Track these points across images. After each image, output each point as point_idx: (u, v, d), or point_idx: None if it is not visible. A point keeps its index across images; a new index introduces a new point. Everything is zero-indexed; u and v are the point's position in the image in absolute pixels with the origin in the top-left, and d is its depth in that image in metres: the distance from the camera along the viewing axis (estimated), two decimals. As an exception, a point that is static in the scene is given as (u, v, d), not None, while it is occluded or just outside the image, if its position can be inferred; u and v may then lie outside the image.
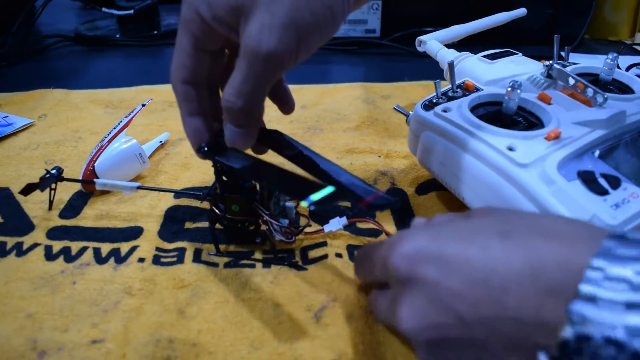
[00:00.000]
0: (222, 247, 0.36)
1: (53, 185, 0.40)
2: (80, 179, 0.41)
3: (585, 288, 0.18)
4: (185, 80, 0.30)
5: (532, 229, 0.22)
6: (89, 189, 0.41)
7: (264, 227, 0.35)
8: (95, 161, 0.41)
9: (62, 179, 0.39)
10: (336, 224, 0.36)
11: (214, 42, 0.30)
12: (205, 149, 0.31)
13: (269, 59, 0.26)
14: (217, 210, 0.34)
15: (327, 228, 0.35)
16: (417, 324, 0.23)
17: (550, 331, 0.19)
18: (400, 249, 0.24)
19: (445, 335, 0.22)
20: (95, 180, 0.39)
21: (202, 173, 0.45)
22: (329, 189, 0.25)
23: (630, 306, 0.17)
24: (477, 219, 0.24)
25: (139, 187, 0.39)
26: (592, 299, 0.18)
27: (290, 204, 0.34)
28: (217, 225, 0.36)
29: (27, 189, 0.38)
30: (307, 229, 0.36)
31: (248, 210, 0.33)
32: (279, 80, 0.34)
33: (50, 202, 0.40)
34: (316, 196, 0.25)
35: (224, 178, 0.33)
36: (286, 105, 0.35)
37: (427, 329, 0.22)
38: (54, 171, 0.39)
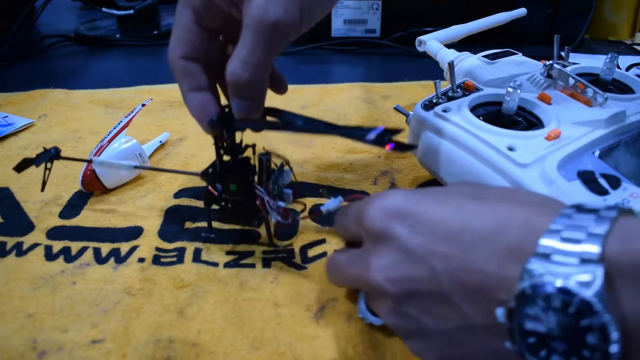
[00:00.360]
0: (223, 247, 0.36)
1: (49, 165, 0.38)
2: (80, 180, 0.41)
3: (543, 247, 0.19)
4: (185, 56, 0.31)
5: (503, 197, 0.23)
6: (89, 188, 0.41)
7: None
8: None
9: (59, 157, 0.38)
10: (333, 203, 0.35)
11: (214, 19, 0.30)
12: (216, 120, 0.31)
13: (275, 29, 0.27)
14: (213, 191, 0.34)
15: (324, 208, 0.34)
16: (389, 275, 0.23)
17: (510, 285, 0.20)
18: (376, 204, 0.25)
19: (415, 288, 0.23)
20: (92, 158, 0.38)
21: (202, 173, 0.45)
22: (379, 128, 0.27)
23: (583, 262, 0.18)
24: (452, 187, 0.25)
25: (135, 167, 0.39)
26: (547, 256, 0.19)
27: (287, 190, 0.35)
28: (214, 206, 0.36)
29: (22, 164, 0.37)
30: (303, 214, 0.37)
31: (246, 190, 0.33)
32: None
33: (44, 183, 0.39)
34: (371, 135, 0.26)
35: (225, 157, 0.33)
36: (280, 86, 0.35)
37: (398, 281, 0.23)
38: (52, 151, 0.38)
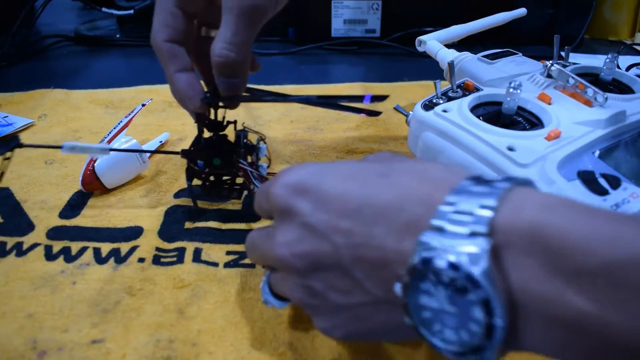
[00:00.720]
0: (223, 247, 0.36)
1: (8, 155, 0.36)
2: (80, 180, 0.41)
3: (436, 221, 0.19)
4: (170, 39, 0.33)
5: (409, 172, 0.23)
6: (89, 188, 0.41)
7: (240, 181, 0.37)
8: (95, 161, 0.41)
9: (21, 146, 0.37)
10: None
11: (195, 3, 0.33)
12: (210, 96, 0.34)
13: (255, 11, 0.30)
14: (195, 167, 0.36)
15: None
16: (293, 250, 0.23)
17: (406, 260, 0.20)
18: (281, 180, 0.25)
19: (319, 263, 0.23)
20: (63, 144, 0.34)
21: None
22: (368, 96, 0.29)
23: (473, 234, 0.18)
24: (363, 162, 0.26)
25: (110, 149, 0.37)
26: (440, 230, 0.19)
27: (263, 164, 0.38)
28: (196, 183, 0.37)
29: None
30: None
31: (230, 163, 0.35)
32: None
33: (1, 174, 0.37)
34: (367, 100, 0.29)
35: (208, 134, 0.36)
36: (253, 65, 0.37)
37: (303, 256, 0.23)
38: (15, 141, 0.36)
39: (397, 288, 0.20)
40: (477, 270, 0.18)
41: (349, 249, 0.22)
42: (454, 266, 0.18)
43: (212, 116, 0.36)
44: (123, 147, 0.42)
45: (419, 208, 0.21)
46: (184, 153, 0.37)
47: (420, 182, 0.22)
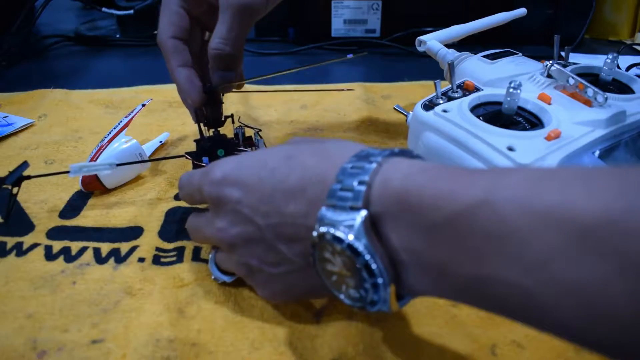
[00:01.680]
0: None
1: (15, 191, 0.38)
2: (80, 180, 0.41)
3: (329, 199, 0.23)
4: (175, 36, 0.37)
5: (313, 152, 0.26)
6: (89, 188, 0.42)
7: None
8: (95, 161, 0.41)
9: (25, 178, 0.38)
10: None
11: (198, 5, 0.37)
12: (209, 87, 0.37)
13: (247, 10, 0.34)
14: (201, 164, 0.39)
15: None
16: (229, 233, 0.28)
17: (310, 230, 0.23)
18: (210, 176, 0.29)
19: (250, 241, 0.27)
20: (70, 167, 0.36)
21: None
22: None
23: (352, 209, 0.22)
24: (276, 146, 0.29)
25: (118, 165, 0.39)
26: (333, 206, 0.22)
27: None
28: None
29: None
30: None
31: (233, 153, 0.39)
32: None
33: (9, 210, 0.38)
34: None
35: (210, 132, 0.39)
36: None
37: (237, 237, 0.28)
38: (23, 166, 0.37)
39: (311, 258, 0.24)
40: (354, 240, 0.21)
41: (269, 228, 0.26)
42: (337, 238, 0.22)
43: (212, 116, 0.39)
44: (123, 147, 0.42)
45: (317, 186, 0.24)
46: (188, 154, 0.40)
47: (319, 160, 0.25)
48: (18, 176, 0.38)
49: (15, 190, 0.38)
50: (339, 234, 0.22)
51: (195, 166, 0.39)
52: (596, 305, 0.16)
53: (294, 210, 0.25)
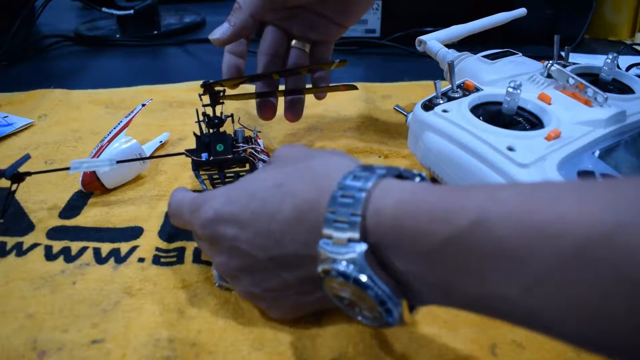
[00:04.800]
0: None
1: (14, 187, 0.38)
2: (80, 180, 0.41)
3: (326, 230, 0.23)
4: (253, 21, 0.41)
5: (301, 177, 0.26)
6: (89, 189, 0.41)
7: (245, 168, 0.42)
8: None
9: (29, 174, 0.38)
10: None
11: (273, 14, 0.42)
12: (206, 83, 0.39)
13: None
14: (200, 160, 0.40)
15: None
16: (229, 267, 0.28)
17: (317, 261, 0.23)
18: (202, 216, 0.28)
19: (251, 273, 0.27)
20: (70, 163, 0.37)
21: (202, 173, 0.45)
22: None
23: (350, 241, 0.22)
24: (263, 172, 0.28)
25: (118, 162, 0.39)
26: (330, 237, 0.22)
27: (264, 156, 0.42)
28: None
29: None
30: None
31: (231, 147, 0.40)
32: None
33: (6, 208, 0.38)
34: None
35: (210, 130, 0.40)
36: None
37: (237, 269, 0.28)
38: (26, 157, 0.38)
39: (322, 286, 0.24)
40: (358, 274, 0.21)
41: (270, 261, 0.26)
42: (342, 274, 0.22)
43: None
44: (123, 147, 0.42)
45: (312, 214, 0.24)
46: (188, 151, 0.40)
47: (308, 186, 0.25)
48: (18, 167, 0.38)
49: (14, 187, 0.38)
50: (342, 269, 0.22)
51: (194, 163, 0.40)
52: (598, 321, 0.16)
53: (293, 242, 0.25)
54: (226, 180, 0.40)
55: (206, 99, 0.40)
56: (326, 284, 0.23)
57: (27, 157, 0.39)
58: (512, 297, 0.18)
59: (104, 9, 0.82)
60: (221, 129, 0.40)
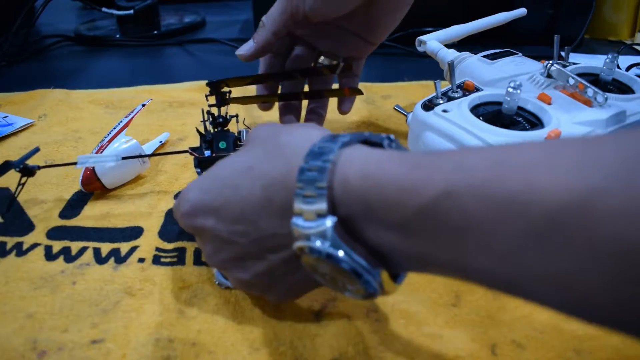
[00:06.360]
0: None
1: (23, 180, 0.38)
2: (80, 180, 0.41)
3: (297, 205, 0.22)
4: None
5: (269, 156, 0.26)
6: (88, 189, 0.41)
7: None
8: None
9: (39, 167, 0.39)
10: None
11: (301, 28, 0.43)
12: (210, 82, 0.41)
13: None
14: (203, 157, 0.40)
15: None
16: (216, 257, 0.28)
17: (291, 238, 0.23)
18: (182, 209, 0.29)
19: (236, 258, 0.27)
20: (77, 158, 0.38)
21: (202, 173, 0.45)
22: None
23: (319, 216, 0.21)
24: (234, 156, 0.28)
25: (123, 158, 0.39)
26: (301, 213, 0.22)
27: None
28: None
29: (2, 168, 0.38)
30: None
31: (234, 145, 0.40)
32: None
33: (12, 200, 0.39)
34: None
35: (214, 129, 0.41)
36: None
37: (224, 260, 0.28)
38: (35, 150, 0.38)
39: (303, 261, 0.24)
40: (331, 249, 0.21)
41: (252, 244, 0.26)
42: (315, 250, 0.21)
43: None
44: (123, 147, 0.42)
45: (282, 193, 0.24)
46: (191, 149, 0.41)
47: (276, 164, 0.25)
48: (27, 160, 0.38)
49: (23, 179, 0.38)
50: (315, 245, 0.21)
51: (196, 160, 0.40)
52: (575, 293, 0.16)
53: (268, 222, 0.25)
54: None
55: (213, 99, 0.40)
56: (304, 261, 0.23)
57: (36, 150, 0.39)
58: (487, 268, 0.18)
59: (104, 9, 0.82)
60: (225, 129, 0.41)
